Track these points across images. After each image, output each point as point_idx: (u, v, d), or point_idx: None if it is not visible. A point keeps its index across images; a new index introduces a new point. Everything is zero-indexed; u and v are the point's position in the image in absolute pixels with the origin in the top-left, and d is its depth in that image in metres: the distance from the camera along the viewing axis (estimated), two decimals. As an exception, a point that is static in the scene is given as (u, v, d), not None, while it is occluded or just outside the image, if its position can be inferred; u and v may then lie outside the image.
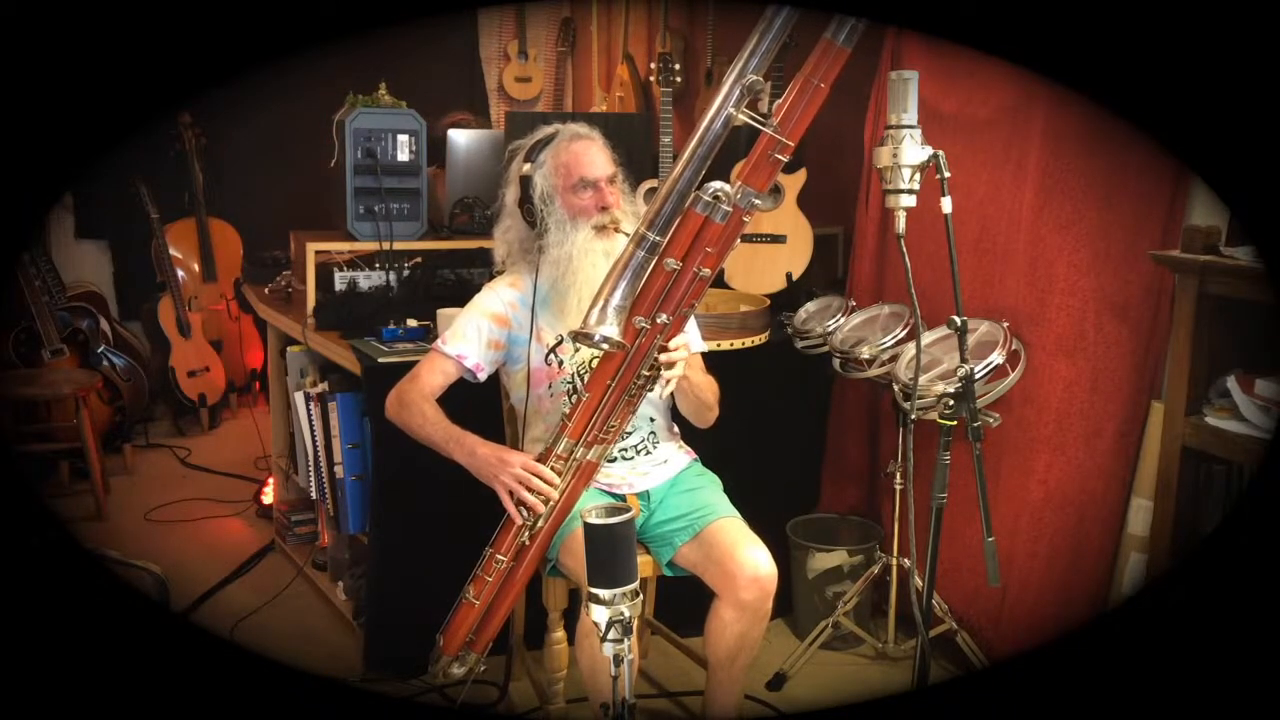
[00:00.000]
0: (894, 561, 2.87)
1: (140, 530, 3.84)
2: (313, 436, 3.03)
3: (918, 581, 2.27)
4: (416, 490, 2.71)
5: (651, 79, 4.41)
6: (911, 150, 2.01)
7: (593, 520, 1.66)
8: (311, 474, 3.11)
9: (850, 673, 2.91)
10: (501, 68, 5.60)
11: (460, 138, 3.44)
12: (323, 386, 2.97)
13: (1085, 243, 2.60)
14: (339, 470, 2.93)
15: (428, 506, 2.71)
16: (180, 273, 4.94)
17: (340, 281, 3.17)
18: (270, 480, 3.79)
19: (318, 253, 3.18)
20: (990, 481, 2.40)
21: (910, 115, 2.04)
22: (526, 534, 2.18)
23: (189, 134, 4.93)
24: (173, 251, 4.91)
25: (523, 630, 2.69)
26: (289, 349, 3.23)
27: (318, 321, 3.10)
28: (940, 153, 2.01)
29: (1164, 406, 2.38)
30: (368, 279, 3.19)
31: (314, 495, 3.17)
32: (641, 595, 1.95)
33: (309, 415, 3.02)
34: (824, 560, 2.98)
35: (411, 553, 2.75)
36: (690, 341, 2.23)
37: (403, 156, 3.16)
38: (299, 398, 3.05)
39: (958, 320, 2.04)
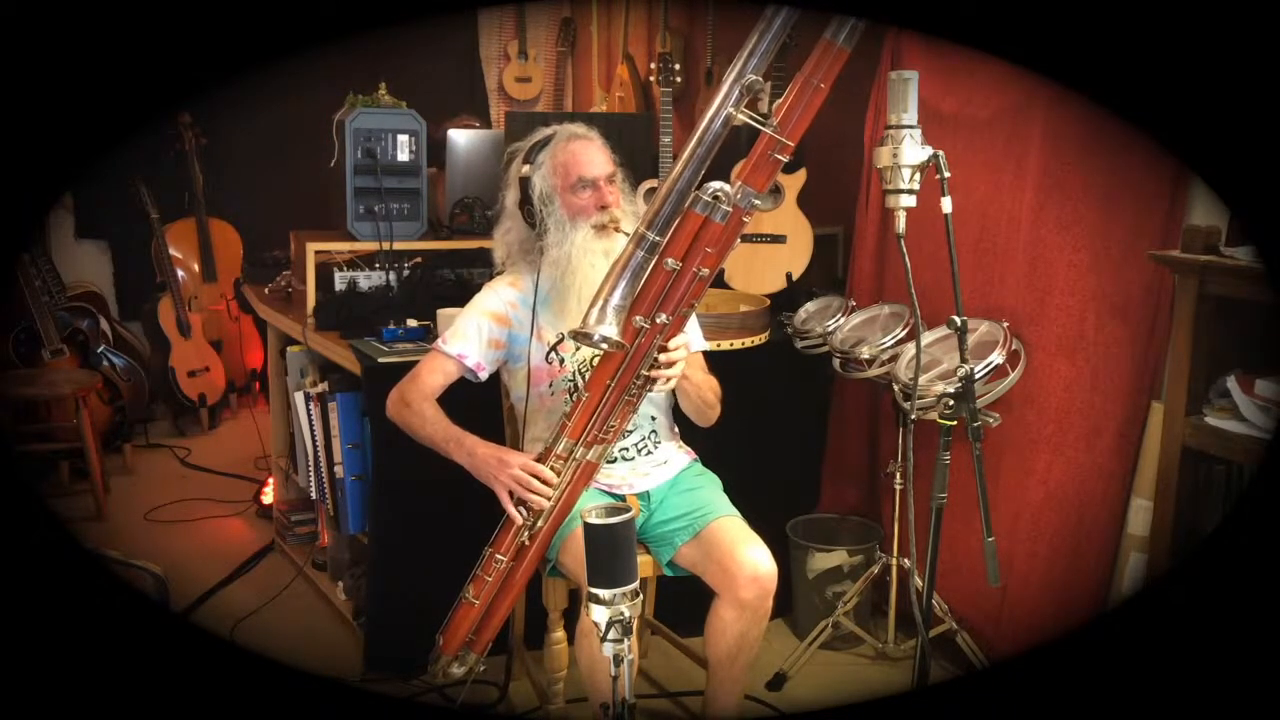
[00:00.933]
0: (894, 561, 2.87)
1: (140, 530, 3.84)
2: (313, 436, 3.03)
3: (918, 581, 2.27)
4: (416, 490, 2.71)
5: (651, 79, 4.41)
6: (911, 150, 2.01)
7: (593, 520, 1.66)
8: (311, 474, 3.11)
9: (850, 673, 2.91)
10: (501, 68, 5.59)
11: (460, 138, 3.44)
12: (323, 386, 2.97)
13: (1085, 243, 2.60)
14: (339, 470, 2.93)
15: (428, 506, 2.71)
16: (180, 273, 4.94)
17: (340, 281, 3.17)
18: (270, 480, 3.79)
19: (318, 253, 3.18)
20: (990, 481, 2.40)
21: (910, 115, 2.04)
22: (526, 534, 2.18)
23: (189, 134, 4.92)
24: (173, 251, 4.91)
25: (523, 630, 2.69)
26: (289, 349, 3.23)
27: (318, 321, 3.10)
28: (940, 153, 2.01)
29: (1164, 406, 2.38)
30: (368, 279, 3.19)
31: (314, 495, 3.17)
32: (641, 595, 1.95)
33: (309, 415, 3.02)
34: (824, 560, 2.98)
35: (411, 553, 2.75)
36: (691, 341, 2.23)
37: (403, 156, 3.16)
38: (299, 398, 3.05)
39: (958, 320, 2.04)
